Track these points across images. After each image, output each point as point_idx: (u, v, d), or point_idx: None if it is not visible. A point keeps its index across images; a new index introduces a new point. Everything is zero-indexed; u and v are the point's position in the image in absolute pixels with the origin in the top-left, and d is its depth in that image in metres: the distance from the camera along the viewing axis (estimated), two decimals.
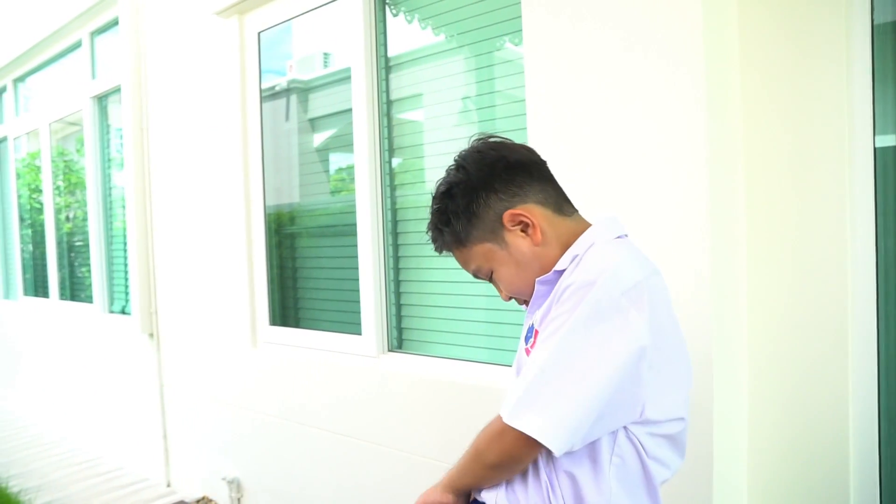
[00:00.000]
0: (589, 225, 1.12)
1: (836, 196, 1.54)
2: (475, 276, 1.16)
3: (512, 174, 1.09)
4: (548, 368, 0.95)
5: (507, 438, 0.98)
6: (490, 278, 1.14)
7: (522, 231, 1.08)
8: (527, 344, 1.09)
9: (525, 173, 1.10)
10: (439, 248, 1.16)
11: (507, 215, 1.08)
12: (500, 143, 1.14)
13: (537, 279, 1.08)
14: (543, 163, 1.14)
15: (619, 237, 1.08)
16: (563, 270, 1.05)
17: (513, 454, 1.00)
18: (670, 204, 1.56)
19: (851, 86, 1.52)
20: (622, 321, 0.94)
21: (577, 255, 1.03)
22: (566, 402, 0.94)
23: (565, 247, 1.08)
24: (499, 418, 1.00)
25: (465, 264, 1.15)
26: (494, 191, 1.08)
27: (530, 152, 1.14)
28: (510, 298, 1.16)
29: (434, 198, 1.15)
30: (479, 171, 1.10)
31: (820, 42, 1.55)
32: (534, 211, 1.08)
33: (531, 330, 1.08)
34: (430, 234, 1.17)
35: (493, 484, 1.08)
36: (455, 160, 1.14)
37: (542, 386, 0.95)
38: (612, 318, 0.94)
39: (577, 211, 1.15)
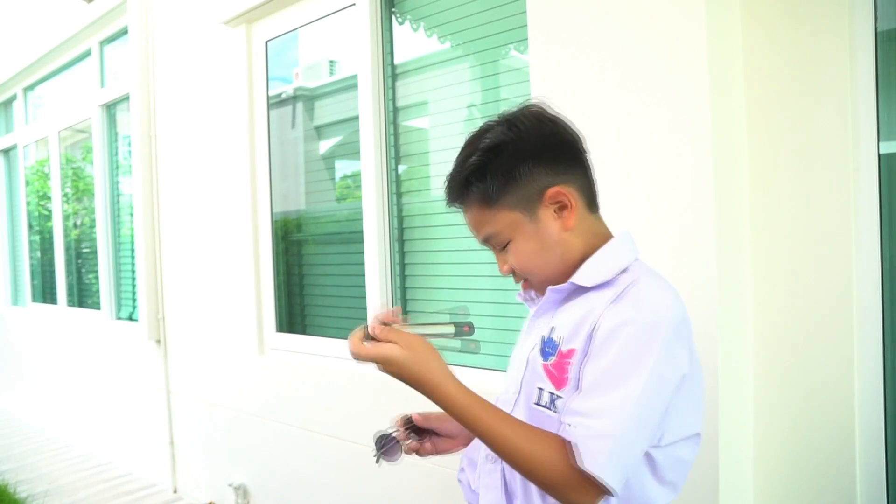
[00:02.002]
0: (609, 233, 1.09)
1: (841, 202, 1.55)
2: (484, 241, 1.08)
3: (563, 152, 1.04)
4: (627, 420, 0.90)
5: (568, 469, 0.90)
6: (501, 248, 1.06)
7: (556, 212, 1.03)
8: (545, 359, 1.02)
9: (574, 155, 1.05)
10: (455, 200, 1.07)
11: (551, 191, 1.01)
12: (557, 117, 1.06)
13: (550, 287, 1.05)
14: (587, 153, 1.09)
15: (637, 258, 1.06)
16: (585, 287, 1.01)
17: (565, 483, 0.91)
18: (676, 211, 1.57)
19: (855, 92, 1.53)
20: (676, 362, 0.94)
21: (611, 282, 0.99)
22: (632, 450, 0.92)
23: (587, 244, 1.05)
24: (562, 443, 0.92)
25: (478, 225, 1.06)
26: (543, 162, 1.01)
27: (581, 138, 1.08)
28: (510, 273, 1.08)
29: (472, 148, 1.03)
30: (533, 138, 1.02)
31: (824, 49, 1.55)
32: (574, 196, 1.04)
33: (549, 343, 1.02)
34: (450, 182, 1.06)
35: (491, 455, 1.03)
36: (505, 117, 1.05)
37: (626, 440, 0.90)
38: (671, 361, 0.94)
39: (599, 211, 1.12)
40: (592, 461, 0.88)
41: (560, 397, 0.98)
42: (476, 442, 1.13)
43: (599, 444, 0.89)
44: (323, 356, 2.68)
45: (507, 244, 1.05)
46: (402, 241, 2.46)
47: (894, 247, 1.54)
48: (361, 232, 2.48)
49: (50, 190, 4.94)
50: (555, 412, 0.98)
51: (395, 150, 2.45)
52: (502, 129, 1.02)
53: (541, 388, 1.01)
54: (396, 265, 2.45)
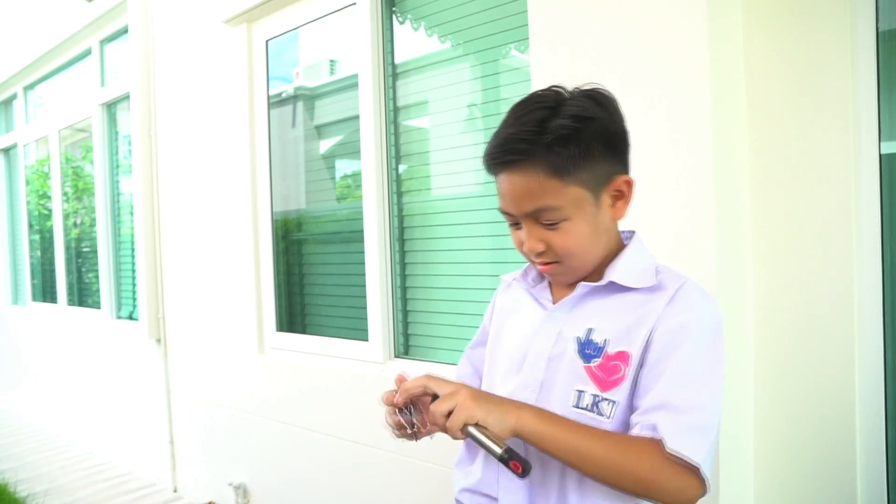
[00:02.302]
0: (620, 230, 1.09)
1: (842, 202, 1.55)
2: (532, 214, 0.97)
3: (628, 142, 1.02)
4: (715, 413, 0.93)
5: (664, 467, 0.90)
6: (551, 225, 0.98)
7: (613, 201, 1.01)
8: (587, 361, 0.99)
9: (629, 149, 1.04)
10: (517, 158, 0.95)
11: (623, 179, 1.00)
12: None
13: (584, 283, 1.02)
14: None
15: None
16: (622, 287, 1.00)
17: (662, 481, 0.90)
18: (677, 211, 1.57)
19: (857, 93, 1.53)
20: (724, 359, 0.99)
21: (658, 285, 1.00)
22: (716, 442, 0.94)
23: (614, 240, 1.05)
24: (648, 442, 0.91)
25: (532, 194, 0.96)
26: (616, 147, 1.00)
27: None
28: (541, 252, 1.00)
29: (549, 111, 0.95)
30: (615, 123, 1.00)
31: (825, 49, 1.55)
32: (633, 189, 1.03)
33: (589, 345, 1.00)
34: (511, 141, 0.96)
35: (570, 474, 0.97)
36: (588, 93, 0.99)
37: (714, 432, 0.93)
38: (723, 358, 0.98)
39: None
40: (694, 453, 0.89)
41: (605, 399, 0.96)
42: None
43: (699, 437, 0.90)
44: (323, 355, 2.68)
45: (561, 222, 0.97)
46: (402, 241, 2.46)
47: (895, 247, 1.54)
48: (362, 231, 2.48)
49: (50, 189, 4.94)
50: (599, 415, 0.97)
51: (396, 149, 2.45)
52: (589, 103, 0.97)
53: (580, 391, 0.98)
54: (397, 265, 2.45)
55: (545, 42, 1.79)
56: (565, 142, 0.93)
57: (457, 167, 2.27)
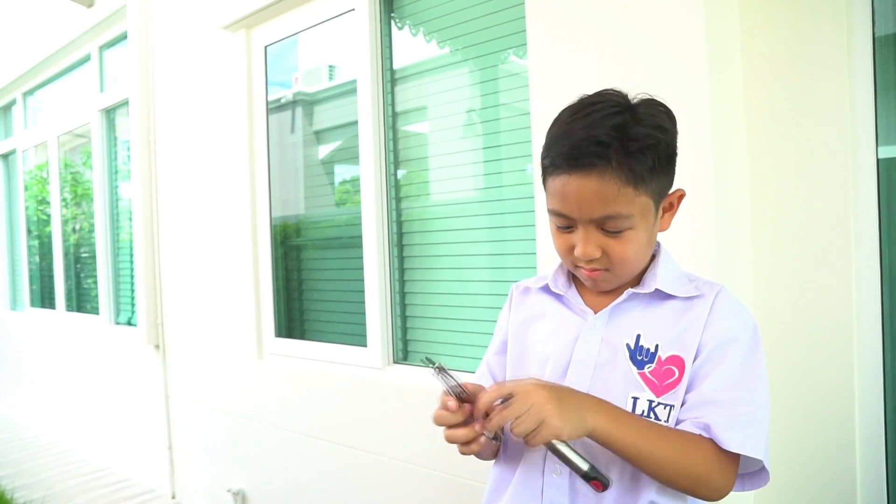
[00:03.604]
0: None
1: (840, 207, 1.55)
2: (598, 220, 0.95)
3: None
4: (760, 408, 0.97)
5: (718, 462, 0.94)
6: (615, 233, 0.96)
7: (663, 212, 1.02)
8: (640, 368, 0.99)
9: None
10: (596, 161, 0.91)
11: (678, 192, 1.03)
12: None
13: (634, 290, 1.02)
14: None
15: None
16: (666, 295, 1.02)
17: (721, 481, 0.95)
18: (677, 218, 1.56)
19: (854, 97, 1.53)
20: None
21: (699, 293, 1.02)
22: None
23: (652, 249, 1.05)
24: (704, 438, 0.94)
25: (604, 200, 0.92)
26: (674, 163, 1.00)
27: None
28: (594, 257, 0.97)
29: (642, 120, 0.94)
30: (676, 136, 1.00)
31: (822, 55, 1.56)
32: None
33: (641, 350, 1.00)
34: (599, 138, 0.91)
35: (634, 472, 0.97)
36: (657, 103, 0.98)
37: (761, 425, 0.96)
38: None
39: None
40: (756, 449, 0.93)
41: (661, 404, 0.98)
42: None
43: (757, 432, 0.94)
44: (322, 361, 2.67)
45: (626, 230, 0.96)
46: (401, 246, 2.46)
47: (893, 250, 1.54)
48: (360, 237, 2.48)
49: (49, 195, 4.94)
50: (655, 419, 0.97)
51: (395, 154, 2.45)
52: (662, 115, 0.97)
53: (636, 398, 0.98)
54: (395, 270, 2.45)
55: (542, 47, 1.80)
56: (647, 151, 0.92)
57: (455, 172, 2.27)
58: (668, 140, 0.97)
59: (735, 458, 0.95)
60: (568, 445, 0.87)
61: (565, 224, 0.99)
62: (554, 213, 0.99)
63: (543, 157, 1.00)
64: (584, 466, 0.86)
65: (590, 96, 1.00)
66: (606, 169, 0.91)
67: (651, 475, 0.94)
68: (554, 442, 0.87)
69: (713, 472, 0.94)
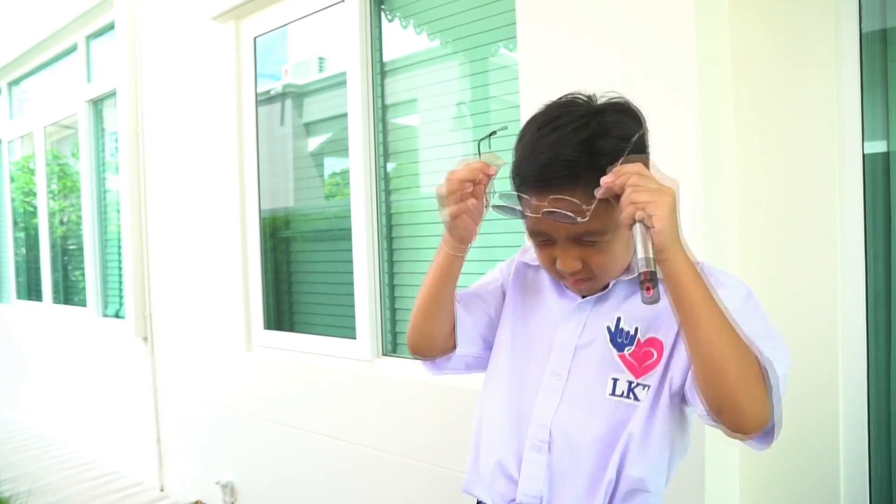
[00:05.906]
0: None
1: (826, 202, 1.56)
2: (580, 235, 0.95)
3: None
4: (783, 347, 0.93)
5: (756, 381, 0.86)
6: (588, 244, 0.96)
7: None
8: (621, 350, 1.01)
9: None
10: (565, 183, 0.91)
11: None
12: None
13: (619, 279, 1.03)
14: None
15: None
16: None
17: (757, 383, 0.86)
18: None
19: (841, 93, 1.54)
20: None
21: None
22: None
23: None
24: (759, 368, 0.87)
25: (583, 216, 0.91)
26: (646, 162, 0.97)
27: None
28: (577, 272, 0.99)
29: (607, 130, 0.92)
30: (644, 136, 0.97)
31: (809, 50, 1.57)
32: None
33: (621, 333, 1.01)
34: (565, 159, 0.91)
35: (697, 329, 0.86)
36: (621, 107, 0.97)
37: (784, 361, 0.91)
38: None
39: None
40: (784, 375, 0.89)
41: (640, 385, 0.99)
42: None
43: (782, 357, 0.90)
44: (311, 353, 2.67)
45: (604, 241, 0.96)
46: (390, 239, 2.46)
47: (878, 246, 1.56)
48: (350, 229, 2.47)
49: (35, 186, 4.89)
50: (635, 399, 0.98)
51: (384, 147, 2.44)
52: (627, 119, 0.95)
53: (615, 379, 1.00)
54: (385, 262, 2.45)
55: (532, 40, 1.80)
56: (615, 164, 0.90)
57: (445, 165, 2.27)
58: (637, 146, 0.94)
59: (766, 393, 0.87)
60: (651, 240, 0.85)
61: (544, 241, 1.00)
62: (531, 232, 1.01)
63: (513, 177, 1.00)
64: (651, 265, 0.84)
65: (555, 106, 0.99)
66: (577, 187, 0.91)
67: (700, 348, 0.86)
68: (647, 225, 0.85)
69: (758, 384, 0.85)
